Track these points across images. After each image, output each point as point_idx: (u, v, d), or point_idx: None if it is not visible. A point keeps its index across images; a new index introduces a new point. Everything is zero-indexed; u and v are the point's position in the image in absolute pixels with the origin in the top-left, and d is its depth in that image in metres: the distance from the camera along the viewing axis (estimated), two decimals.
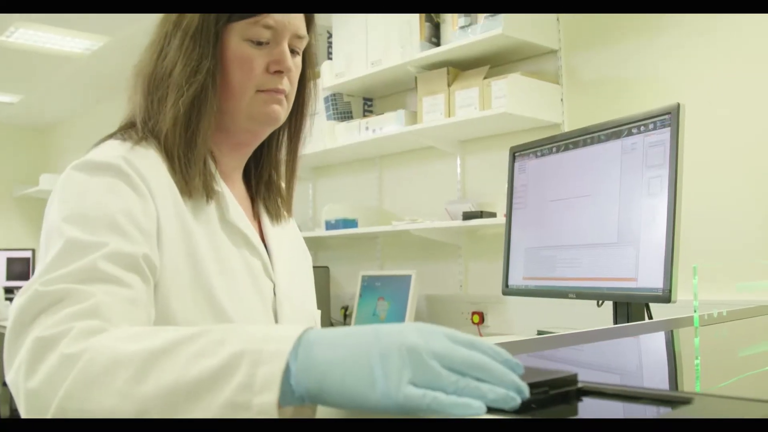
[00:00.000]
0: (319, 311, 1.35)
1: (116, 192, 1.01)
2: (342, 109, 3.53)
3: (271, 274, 1.19)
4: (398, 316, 2.99)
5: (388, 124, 3.20)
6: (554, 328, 2.09)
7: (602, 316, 2.00)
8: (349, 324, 3.32)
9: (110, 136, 1.13)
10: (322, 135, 3.48)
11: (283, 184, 1.31)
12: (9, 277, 6.79)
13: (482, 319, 2.96)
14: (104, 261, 0.92)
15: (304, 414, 0.70)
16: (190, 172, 1.10)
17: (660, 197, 1.72)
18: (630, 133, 1.84)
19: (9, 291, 6.73)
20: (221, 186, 1.16)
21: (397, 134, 3.11)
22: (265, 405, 0.64)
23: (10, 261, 6.88)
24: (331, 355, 0.65)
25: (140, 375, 0.70)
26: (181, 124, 1.10)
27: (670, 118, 1.73)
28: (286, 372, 0.66)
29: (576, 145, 2.02)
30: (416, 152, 3.40)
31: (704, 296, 2.15)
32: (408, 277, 3.01)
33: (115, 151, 1.06)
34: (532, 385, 0.63)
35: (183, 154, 1.10)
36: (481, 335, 2.94)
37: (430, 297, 3.25)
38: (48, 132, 7.61)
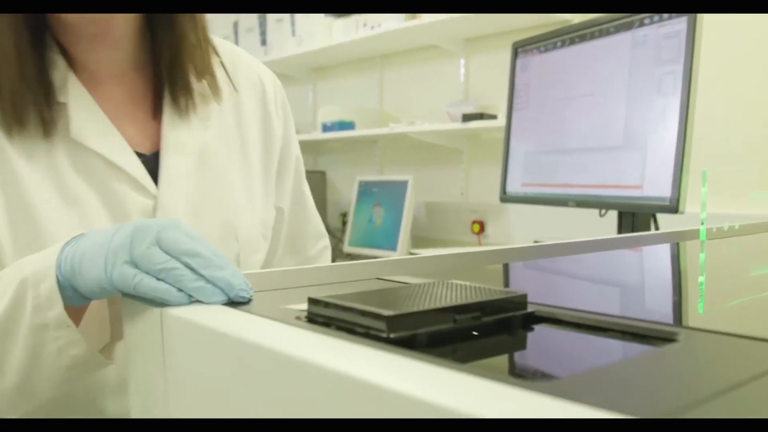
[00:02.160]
0: (273, 213, 1.12)
1: None
2: None
3: (148, 189, 0.95)
4: (394, 223, 2.84)
5: (386, 20, 2.98)
6: (554, 239, 1.93)
7: (607, 227, 1.85)
8: (346, 232, 3.18)
9: None
10: (319, 32, 3.28)
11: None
12: None
13: (482, 228, 2.80)
14: None
15: (115, 309, 0.74)
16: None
17: (672, 96, 1.54)
18: (642, 24, 1.64)
19: None
20: (67, 95, 0.92)
21: (397, 30, 2.90)
22: (57, 317, 0.68)
23: None
24: (82, 248, 0.67)
25: None
26: None
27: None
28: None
29: (583, 39, 1.83)
30: (418, 52, 3.19)
31: (715, 208, 1.99)
32: (405, 183, 2.85)
33: None
34: (460, 308, 0.47)
35: None
36: (480, 244, 2.79)
37: (429, 204, 3.09)
38: None
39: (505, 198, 2.08)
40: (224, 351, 0.47)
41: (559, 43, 1.91)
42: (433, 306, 0.47)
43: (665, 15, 1.58)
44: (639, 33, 1.64)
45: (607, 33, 1.74)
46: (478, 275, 0.88)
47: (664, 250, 1.11)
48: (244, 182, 1.06)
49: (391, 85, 3.37)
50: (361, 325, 0.45)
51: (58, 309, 0.68)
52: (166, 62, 0.99)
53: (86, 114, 0.93)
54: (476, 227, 2.80)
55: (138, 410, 0.61)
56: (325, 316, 0.49)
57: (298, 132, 3.81)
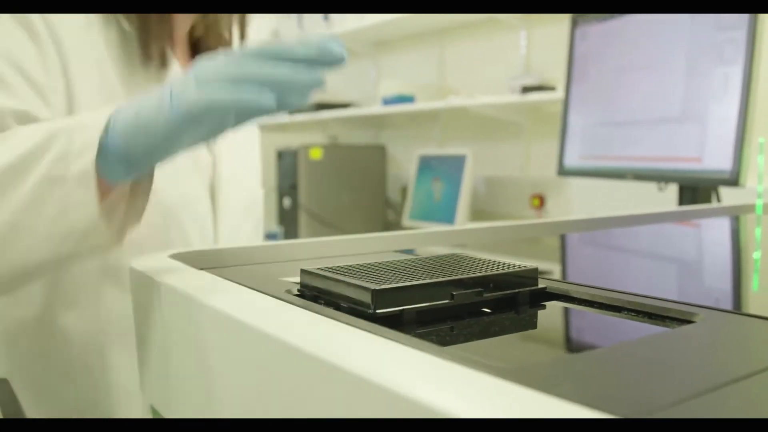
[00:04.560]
0: (263, 191, 1.22)
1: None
2: None
3: (212, 147, 1.04)
4: (453, 197, 2.81)
5: None
6: (612, 213, 1.87)
7: (670, 201, 1.79)
8: (405, 206, 3.16)
9: None
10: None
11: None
12: None
13: (542, 203, 2.75)
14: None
15: (139, 197, 0.69)
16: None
17: (734, 64, 1.47)
18: None
19: None
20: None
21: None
22: (81, 170, 0.62)
23: None
24: (134, 106, 0.62)
25: None
26: None
27: None
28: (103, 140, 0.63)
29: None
30: (480, 25, 3.13)
31: None
32: (463, 157, 2.81)
33: None
34: (459, 282, 0.44)
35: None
36: (541, 218, 2.73)
37: (489, 178, 3.04)
38: None
39: (563, 171, 2.02)
40: (206, 322, 0.46)
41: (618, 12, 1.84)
42: (428, 280, 0.44)
43: None
44: None
45: None
46: (514, 247, 0.85)
47: (717, 224, 1.06)
48: (253, 154, 1.19)
49: (453, 59, 3.32)
50: (348, 299, 0.43)
51: (87, 160, 0.61)
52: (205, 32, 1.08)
53: (176, 68, 1.00)
54: (536, 201, 2.75)
55: (145, 387, 0.60)
56: (315, 289, 0.47)
57: (359, 106, 3.78)
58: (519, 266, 0.49)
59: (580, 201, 2.63)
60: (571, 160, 1.99)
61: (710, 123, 1.51)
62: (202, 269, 0.57)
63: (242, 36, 1.08)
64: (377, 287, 0.41)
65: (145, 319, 0.58)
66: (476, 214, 3.00)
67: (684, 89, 1.59)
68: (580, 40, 2.00)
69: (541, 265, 0.76)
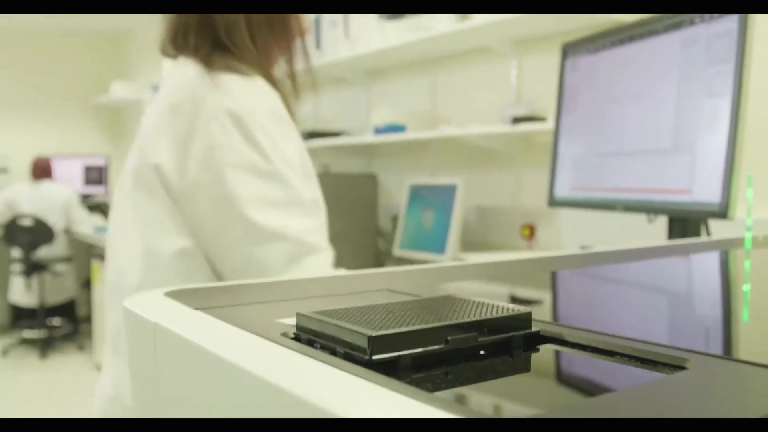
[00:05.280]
0: None
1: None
2: None
3: None
4: (444, 227, 2.81)
5: (439, 22, 2.95)
6: (604, 245, 1.88)
7: (660, 232, 1.80)
8: (396, 235, 3.16)
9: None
10: (372, 35, 3.26)
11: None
12: (87, 182, 7.24)
13: (533, 233, 2.76)
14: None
15: None
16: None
17: (723, 97, 1.49)
18: (692, 23, 1.59)
19: (86, 197, 6.94)
20: None
21: (448, 32, 2.86)
22: None
23: (88, 169, 7.17)
24: None
25: None
26: None
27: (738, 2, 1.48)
28: None
29: (632, 39, 1.78)
30: (471, 54, 3.16)
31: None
32: (454, 187, 2.82)
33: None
34: (454, 327, 0.45)
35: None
36: (530, 249, 2.74)
37: (480, 208, 3.05)
38: (120, 39, 7.54)
39: (554, 202, 2.03)
40: (201, 365, 0.46)
41: (608, 44, 1.86)
42: (424, 325, 0.45)
43: (716, 14, 1.52)
44: (689, 32, 1.59)
45: (657, 32, 1.69)
46: (508, 278, 0.85)
47: (705, 260, 1.07)
48: None
49: (445, 88, 3.34)
50: (345, 344, 0.43)
51: None
52: None
53: None
54: (526, 231, 2.76)
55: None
56: (311, 332, 0.47)
57: (351, 134, 3.86)
58: (513, 309, 0.50)
59: (570, 231, 2.64)
60: (562, 191, 2.00)
61: (700, 155, 1.52)
62: (197, 309, 0.57)
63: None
64: (374, 333, 0.42)
65: (138, 359, 0.58)
66: (467, 243, 3.01)
67: (674, 121, 1.60)
68: (571, 70, 2.02)
69: (534, 295, 0.76)
